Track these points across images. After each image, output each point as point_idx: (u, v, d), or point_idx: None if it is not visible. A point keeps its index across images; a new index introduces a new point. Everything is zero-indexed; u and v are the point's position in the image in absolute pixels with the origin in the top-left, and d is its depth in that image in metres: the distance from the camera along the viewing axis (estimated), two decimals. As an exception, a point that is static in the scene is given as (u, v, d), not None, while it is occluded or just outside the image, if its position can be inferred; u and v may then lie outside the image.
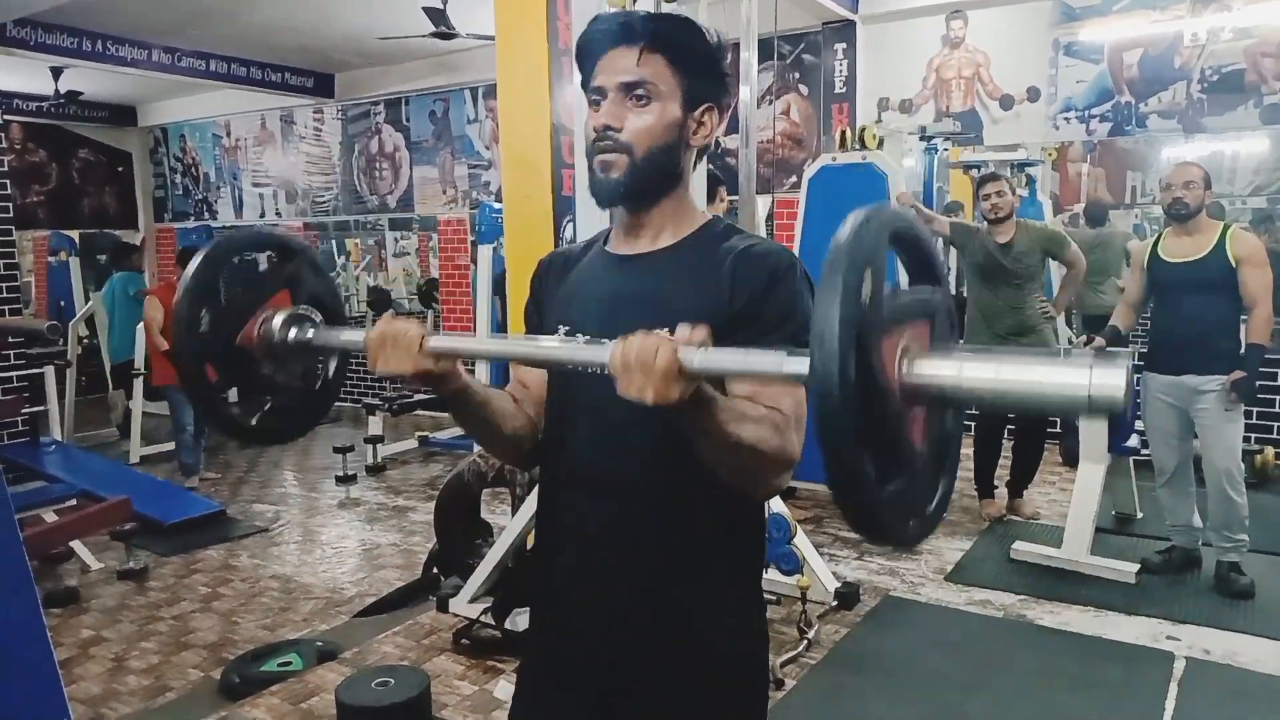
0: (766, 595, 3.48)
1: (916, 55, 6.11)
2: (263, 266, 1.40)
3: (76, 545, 4.71)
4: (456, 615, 3.46)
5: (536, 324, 1.36)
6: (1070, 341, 5.21)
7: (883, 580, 3.83)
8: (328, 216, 9.21)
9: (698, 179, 3.43)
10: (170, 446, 7.32)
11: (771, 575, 3.36)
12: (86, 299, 8.78)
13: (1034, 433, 4.53)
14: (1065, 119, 5.70)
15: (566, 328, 1.26)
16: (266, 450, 7.47)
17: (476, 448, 4.35)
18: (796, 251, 4.72)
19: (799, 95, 6.50)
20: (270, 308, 1.30)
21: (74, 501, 4.76)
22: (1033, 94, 5.77)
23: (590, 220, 2.79)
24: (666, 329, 0.98)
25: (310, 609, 4.13)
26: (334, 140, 8.94)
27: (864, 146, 4.53)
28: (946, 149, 5.88)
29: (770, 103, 6.60)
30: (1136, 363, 4.13)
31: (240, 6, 6.26)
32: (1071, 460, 5.01)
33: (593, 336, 1.20)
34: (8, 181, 6.12)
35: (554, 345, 1.09)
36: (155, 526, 5.13)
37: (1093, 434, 3.87)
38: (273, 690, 2.98)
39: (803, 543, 3.54)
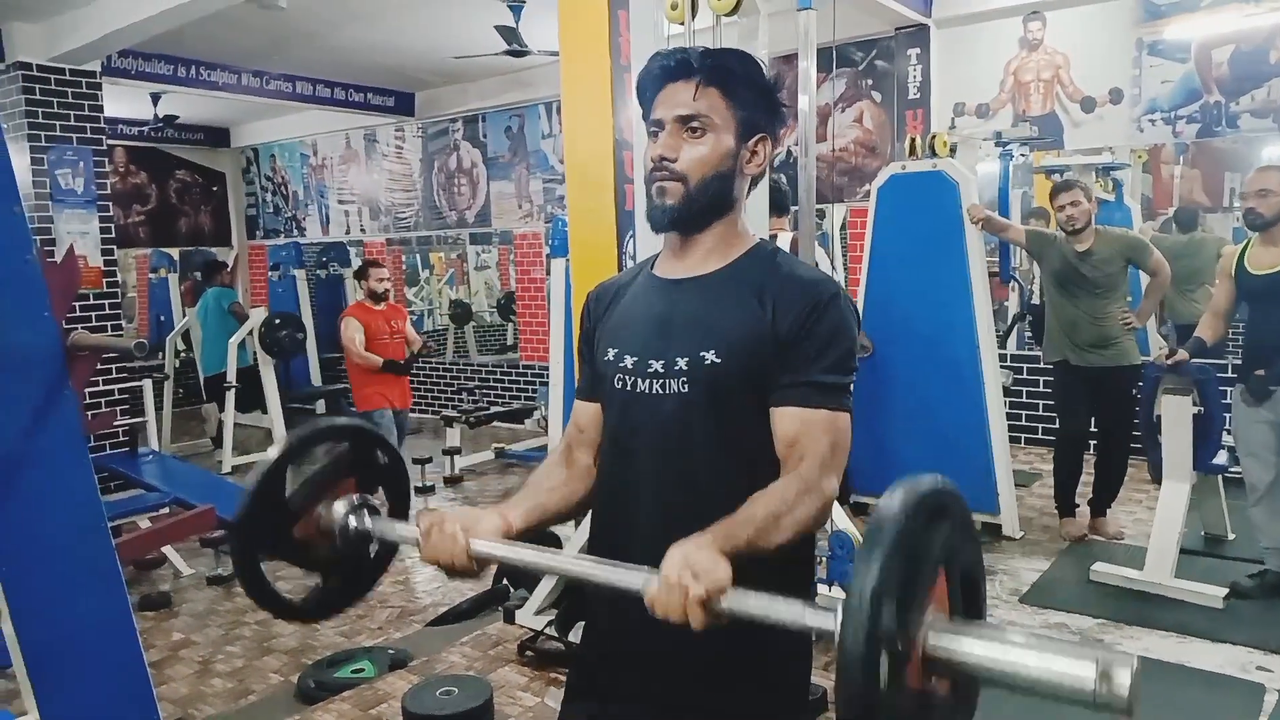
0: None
1: (993, 59, 5.97)
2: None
3: (169, 551, 4.94)
4: (522, 626, 3.51)
5: (588, 356, 1.42)
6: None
7: (954, 599, 3.74)
8: (409, 232, 9.45)
9: (759, 198, 3.43)
10: (261, 456, 7.61)
11: (835, 593, 3.32)
12: (184, 314, 9.19)
13: (1117, 448, 4.37)
14: (1150, 121, 5.49)
15: (615, 349, 1.33)
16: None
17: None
18: (865, 262, 4.70)
19: (872, 102, 6.42)
20: (331, 496, 1.35)
21: (167, 509, 4.99)
22: (1115, 96, 5.58)
23: (650, 236, 2.81)
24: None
25: (386, 617, 4.24)
26: (415, 157, 9.18)
27: (934, 154, 4.44)
28: (1024, 155, 5.72)
29: (842, 110, 6.54)
30: (1229, 375, 3.96)
31: (322, 30, 6.50)
32: (1159, 477, 4.81)
33: (640, 358, 1.28)
34: (110, 203, 6.47)
35: (593, 566, 1.14)
36: (244, 534, 5.33)
37: (1176, 450, 3.72)
38: (344, 696, 3.08)
39: (869, 560, 3.48)
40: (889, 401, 4.67)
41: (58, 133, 6.05)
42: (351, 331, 5.42)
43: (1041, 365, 4.60)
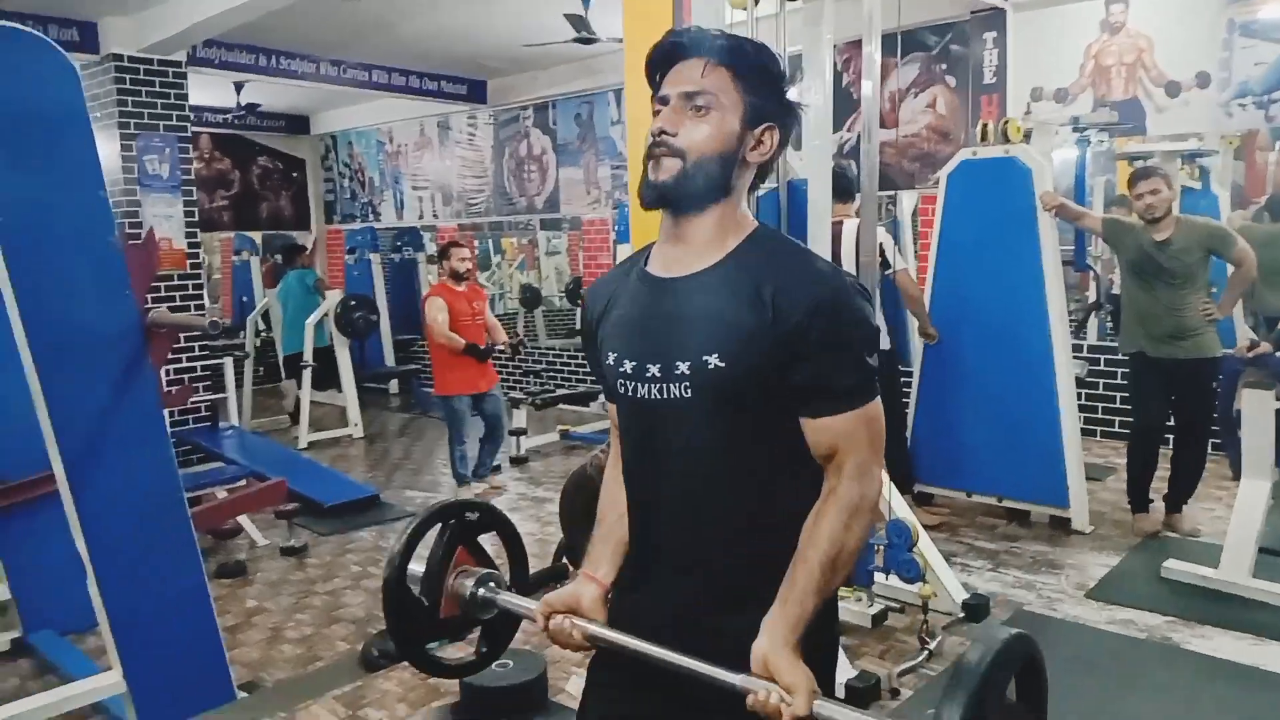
0: (888, 602, 3.42)
1: (1072, 42, 5.78)
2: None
3: (245, 522, 5.13)
4: (579, 605, 3.57)
5: (595, 359, 1.40)
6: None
7: (1018, 594, 3.68)
8: (480, 218, 9.59)
9: (823, 182, 3.38)
10: (337, 433, 7.86)
11: (892, 582, 3.30)
12: (265, 296, 9.51)
13: (1195, 442, 4.22)
14: (1240, 105, 5.26)
15: (615, 353, 1.31)
16: (421, 439, 7.89)
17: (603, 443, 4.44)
18: (934, 249, 4.61)
19: (946, 87, 6.28)
20: (455, 572, 1.45)
21: (244, 482, 5.19)
22: (1202, 79, 5.35)
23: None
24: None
25: (449, 592, 4.34)
26: (486, 144, 9.31)
27: (1007, 139, 4.33)
28: (1103, 141, 5.53)
29: (915, 95, 6.41)
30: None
31: (397, 19, 6.63)
32: (1239, 473, 4.63)
33: (639, 363, 1.27)
34: (193, 188, 6.72)
35: (692, 663, 1.17)
36: (316, 507, 5.52)
37: (1256, 445, 3.58)
38: (404, 665, 3.16)
39: (927, 550, 3.45)
40: (956, 391, 4.59)
41: (145, 121, 6.31)
42: (435, 311, 5.36)
43: (1119, 357, 4.46)
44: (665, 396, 1.24)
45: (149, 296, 6.29)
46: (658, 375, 1.24)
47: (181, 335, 6.56)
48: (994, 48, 5.92)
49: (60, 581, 3.32)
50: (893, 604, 3.44)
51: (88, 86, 6.34)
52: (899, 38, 5.61)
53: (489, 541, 1.53)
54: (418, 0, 6.19)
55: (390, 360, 9.77)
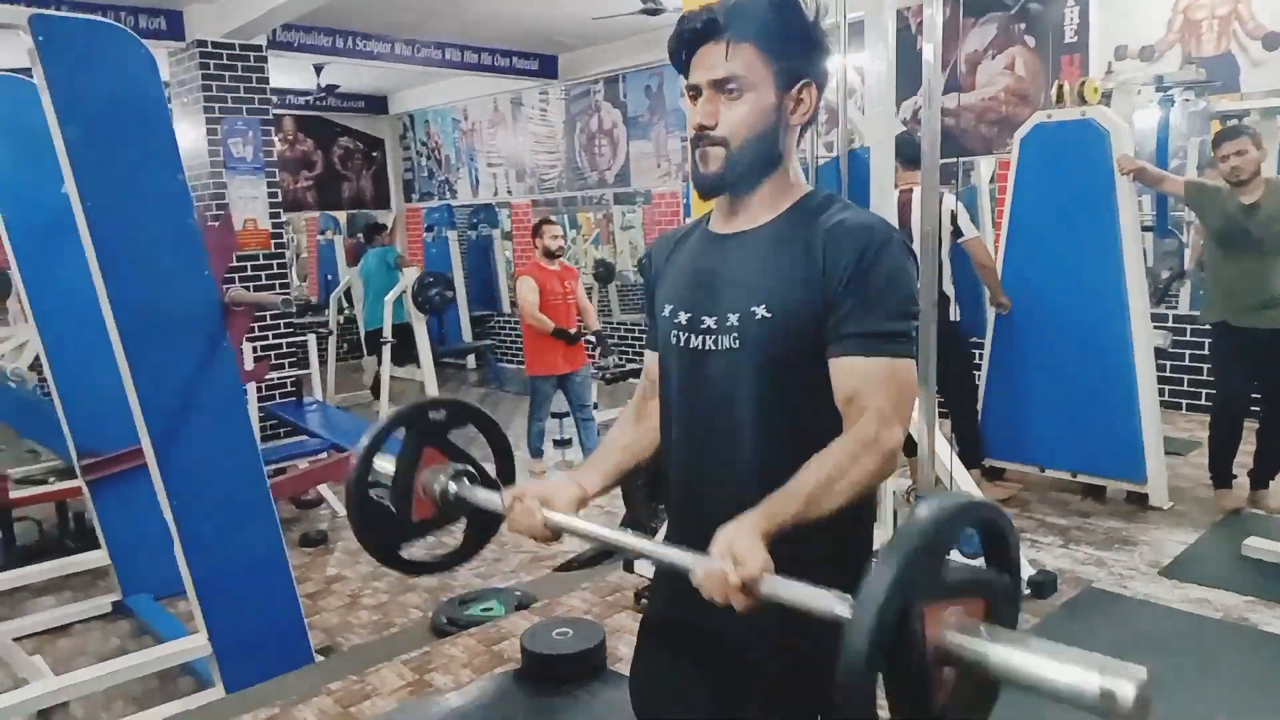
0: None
1: (1160, -3, 5.51)
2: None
3: (327, 494, 5.34)
4: (639, 575, 3.63)
5: (649, 307, 1.43)
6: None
7: (1087, 571, 3.59)
8: (553, 193, 9.68)
9: (885, 151, 3.31)
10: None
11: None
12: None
13: (1283, 415, 4.03)
14: (1345, 57, 4.96)
15: (671, 305, 1.34)
16: (495, 412, 8.01)
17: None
18: (1006, 216, 4.48)
19: (1025, 48, 6.06)
20: (427, 468, 1.46)
21: (325, 455, 5.40)
22: (1305, 30, 5.05)
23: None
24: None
25: (519, 562, 4.46)
26: (558, 119, 9.37)
27: (1084, 101, 4.17)
28: (1189, 100, 5.27)
29: (992, 57, 6.21)
30: None
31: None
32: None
33: (692, 312, 1.29)
34: (276, 170, 6.95)
35: (650, 546, 1.19)
36: (395, 479, 5.70)
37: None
38: (471, 632, 3.27)
39: (994, 525, 3.39)
40: (1028, 362, 4.47)
41: (229, 105, 6.54)
42: (525, 291, 5.35)
43: (1205, 326, 4.28)
44: (718, 347, 1.27)
45: (231, 275, 6.56)
46: (713, 327, 1.27)
47: (268, 313, 6.82)
48: (1075, 5, 5.69)
49: (154, 548, 3.51)
50: (956, 579, 3.40)
51: (175, 73, 6.63)
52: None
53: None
54: (486, -22, 6.25)
55: (467, 335, 9.98)
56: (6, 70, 3.55)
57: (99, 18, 2.86)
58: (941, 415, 3.86)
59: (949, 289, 4.31)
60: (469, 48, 8.32)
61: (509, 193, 10.12)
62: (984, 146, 6.32)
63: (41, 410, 4.27)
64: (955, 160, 6.63)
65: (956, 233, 4.25)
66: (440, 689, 2.86)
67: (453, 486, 1.44)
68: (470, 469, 1.48)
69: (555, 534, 1.31)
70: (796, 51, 1.25)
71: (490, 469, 1.54)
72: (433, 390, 8.10)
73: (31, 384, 4.88)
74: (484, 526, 1.53)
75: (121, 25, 2.78)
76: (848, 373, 1.20)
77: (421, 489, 1.45)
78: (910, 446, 3.42)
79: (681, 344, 1.32)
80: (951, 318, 4.32)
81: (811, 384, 1.23)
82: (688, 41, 1.27)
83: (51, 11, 2.68)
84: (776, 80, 1.24)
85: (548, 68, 8.97)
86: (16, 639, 3.57)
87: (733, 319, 1.25)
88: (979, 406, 4.65)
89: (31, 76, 2.68)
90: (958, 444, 4.58)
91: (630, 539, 1.22)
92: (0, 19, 2.51)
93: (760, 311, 1.23)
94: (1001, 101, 6.20)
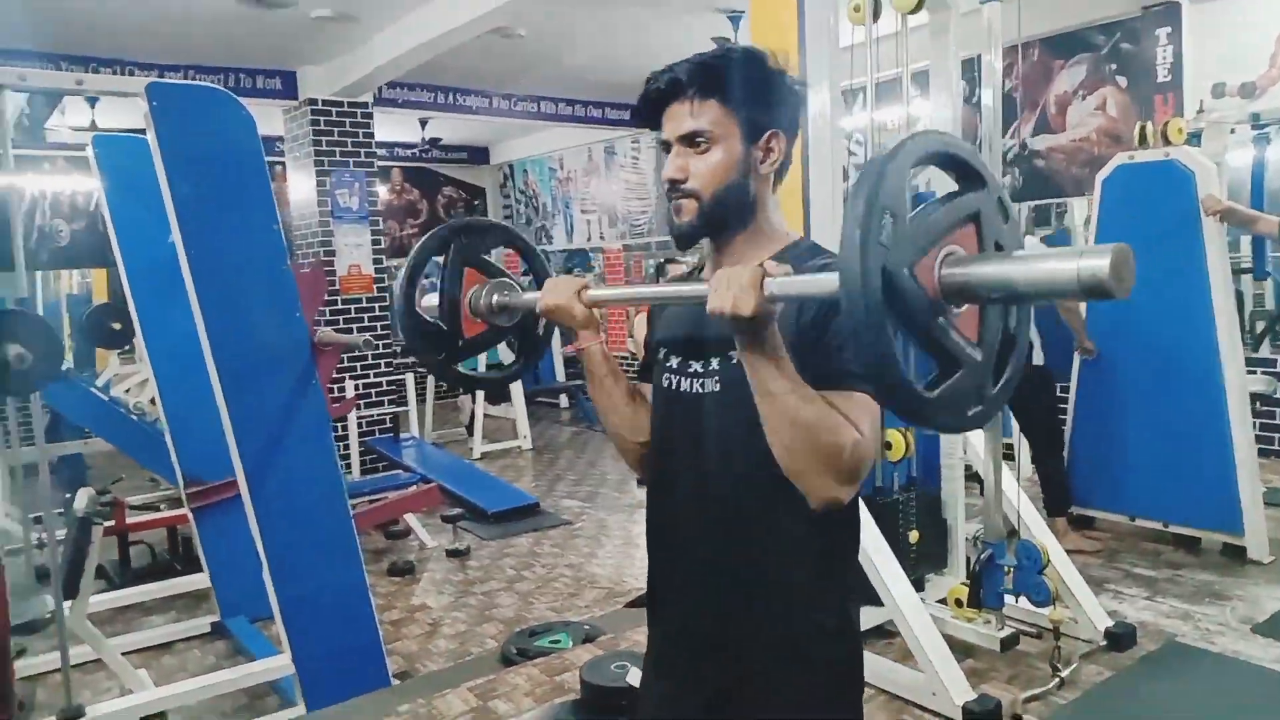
0: (1022, 626, 3.30)
1: (1258, 32, 5.33)
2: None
3: (415, 526, 5.55)
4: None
5: (649, 355, 1.50)
6: None
7: (1172, 625, 3.45)
8: (643, 238, 9.88)
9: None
10: (508, 444, 8.31)
11: (1023, 604, 3.19)
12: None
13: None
14: None
15: (665, 349, 1.42)
16: (585, 451, 8.22)
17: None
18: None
19: (1116, 88, 5.94)
20: (471, 288, 1.55)
21: (415, 488, 5.62)
22: None
23: (823, 224, 2.84)
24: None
25: (593, 597, 4.55)
26: (649, 166, 9.59)
27: (1168, 142, 4.08)
28: (1290, 137, 5.08)
29: (1083, 98, 6.11)
30: None
31: (560, 52, 6.99)
32: None
33: (683, 357, 1.36)
34: (380, 219, 7.35)
35: (671, 290, 1.31)
36: (481, 513, 5.89)
37: None
38: (536, 662, 3.37)
39: (1066, 574, 3.30)
40: (1117, 408, 4.35)
41: (337, 158, 6.98)
42: (640, 330, 5.53)
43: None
44: (702, 390, 1.32)
45: (336, 317, 6.94)
46: (699, 371, 1.33)
47: (368, 353, 7.17)
48: (1168, 44, 5.55)
49: (250, 572, 3.74)
50: (1027, 629, 3.32)
51: (289, 129, 7.12)
52: (1082, 35, 5.37)
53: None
54: (576, 33, 6.51)
55: (560, 375, 10.22)
56: (128, 130, 3.91)
57: (211, 83, 3.16)
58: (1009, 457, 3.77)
59: (1031, 332, 4.25)
60: (563, 100, 8.65)
61: (601, 238, 10.38)
62: (1075, 188, 6.19)
63: (158, 442, 4.61)
64: (1047, 202, 6.55)
65: (1038, 275, 4.19)
66: (501, 715, 2.96)
67: (496, 296, 1.54)
68: (509, 280, 1.57)
69: (587, 307, 1.36)
70: (760, 102, 1.29)
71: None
72: (524, 429, 8.35)
73: (152, 418, 5.27)
74: (531, 339, 1.62)
75: (226, 90, 3.06)
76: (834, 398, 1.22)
77: (468, 307, 1.54)
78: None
79: (673, 387, 1.37)
80: (1034, 361, 4.26)
81: None
82: (653, 100, 1.33)
83: (168, 79, 2.97)
84: (743, 131, 1.28)
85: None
86: (126, 653, 3.84)
87: (714, 363, 1.31)
88: (1065, 453, 4.53)
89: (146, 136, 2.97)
90: (1043, 490, 4.47)
91: (652, 290, 1.28)
92: (122, 88, 2.80)
93: (735, 355, 1.24)
94: (1094, 142, 6.07)
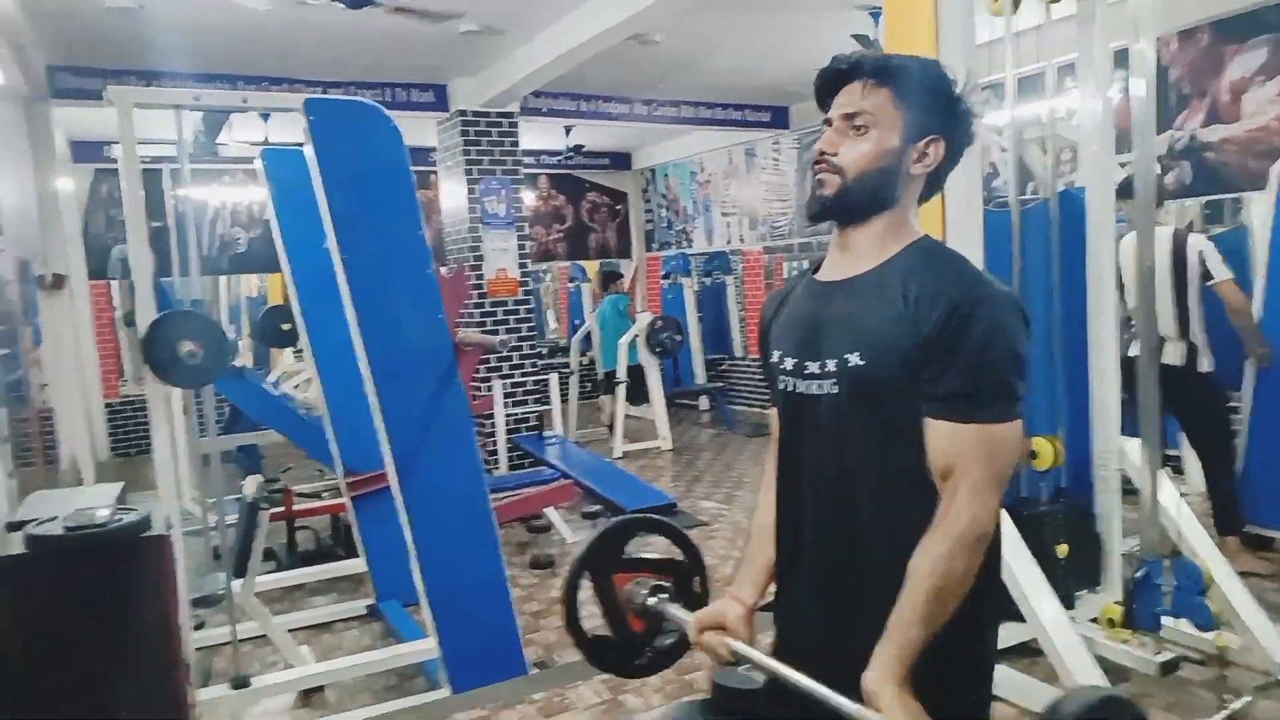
0: (1185, 651, 3.09)
1: None
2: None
3: (556, 520, 5.70)
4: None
5: (765, 359, 1.49)
6: None
7: (1365, 657, 3.15)
8: (784, 239, 9.79)
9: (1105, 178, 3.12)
10: (648, 444, 8.40)
11: (1181, 625, 2.99)
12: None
13: None
14: None
15: (779, 352, 1.42)
16: (723, 453, 8.22)
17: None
18: (1266, 255, 4.07)
19: (1303, 71, 5.47)
20: (624, 586, 1.59)
21: (557, 484, 5.77)
22: None
23: (959, 224, 2.75)
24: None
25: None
26: (790, 168, 9.50)
27: (1359, 129, 3.73)
28: None
29: (1262, 84, 5.65)
30: None
31: (698, 57, 7.03)
32: None
33: (799, 359, 1.36)
34: (525, 224, 7.60)
35: (825, 691, 1.21)
36: (619, 511, 5.98)
37: None
38: (667, 660, 3.41)
39: (1237, 598, 3.07)
40: (1297, 419, 4.01)
41: (485, 166, 7.26)
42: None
43: None
44: (820, 392, 1.32)
45: (483, 319, 7.21)
46: (816, 372, 1.33)
47: (515, 355, 7.43)
48: (1364, 20, 5.07)
49: (402, 559, 3.94)
50: (1191, 655, 3.11)
51: (441, 140, 7.46)
52: (1232, 21, 4.99)
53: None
54: (714, 37, 6.54)
55: (700, 378, 10.26)
56: (289, 144, 4.19)
57: (369, 98, 3.35)
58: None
59: (1198, 337, 3.98)
60: (703, 104, 8.69)
61: (741, 240, 10.35)
62: (1251, 182, 5.73)
63: (320, 434, 4.92)
64: (1219, 197, 6.09)
65: (1206, 275, 3.93)
66: (631, 709, 3.02)
67: (651, 601, 1.57)
68: (662, 583, 1.58)
69: (732, 661, 1.44)
70: (931, 107, 1.31)
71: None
72: (664, 430, 8.41)
73: (317, 412, 5.63)
74: (666, 649, 1.64)
75: (377, 103, 3.24)
76: (939, 437, 1.22)
77: (627, 607, 1.58)
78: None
79: (790, 389, 1.38)
80: (1201, 368, 3.99)
81: (907, 432, 1.25)
82: (831, 79, 1.35)
83: (324, 95, 3.17)
84: (905, 128, 1.30)
85: (779, 119, 9.16)
86: (290, 630, 4.13)
87: (831, 365, 1.30)
88: (1238, 467, 4.21)
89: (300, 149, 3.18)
90: (1213, 507, 4.17)
91: (800, 679, 1.24)
92: (284, 104, 3.02)
93: (854, 359, 1.27)
94: (1273, 132, 5.61)
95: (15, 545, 1.53)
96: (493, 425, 7.15)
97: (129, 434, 9.07)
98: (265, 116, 7.08)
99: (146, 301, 2.90)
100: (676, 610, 1.55)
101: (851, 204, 1.32)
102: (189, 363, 2.87)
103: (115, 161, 6.76)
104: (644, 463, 7.95)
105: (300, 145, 3.18)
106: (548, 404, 7.91)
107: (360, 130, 3.17)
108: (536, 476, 6.19)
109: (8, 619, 1.42)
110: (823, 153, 1.33)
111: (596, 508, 5.72)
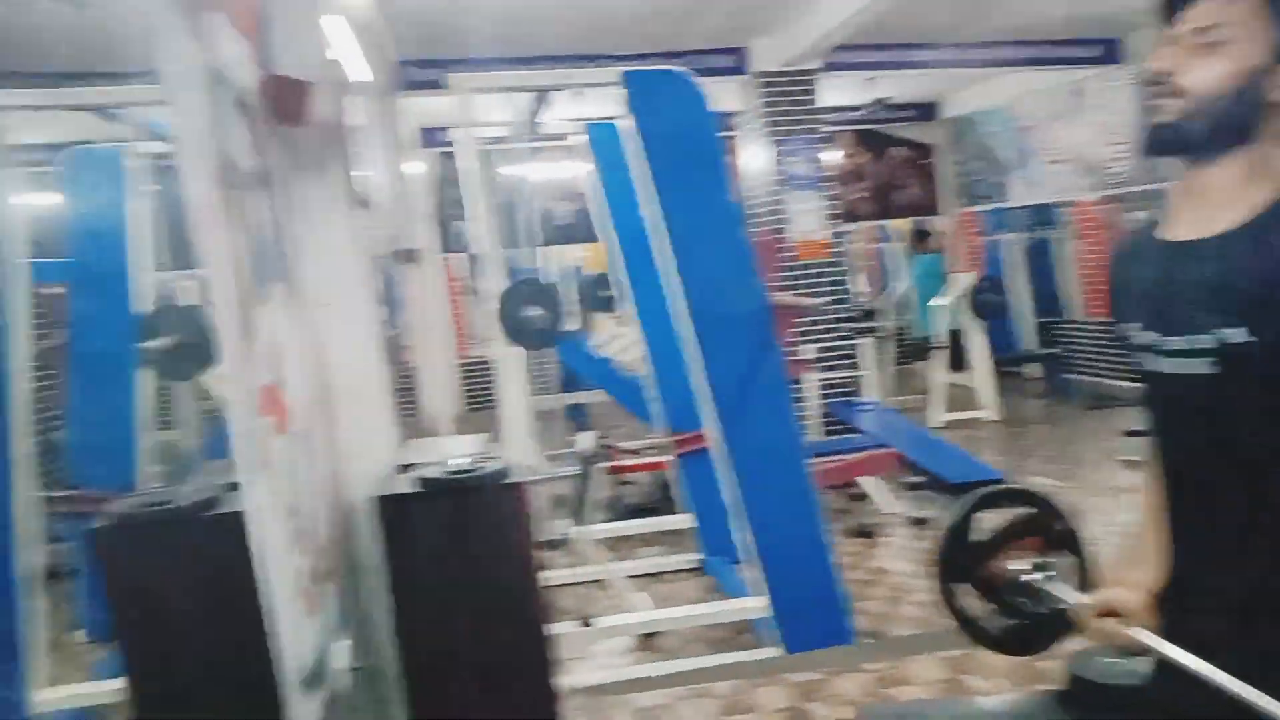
0: None
1: None
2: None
3: (874, 490, 5.52)
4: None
5: (1120, 332, 1.29)
6: None
7: None
8: (1124, 188, 8.74)
9: None
10: (971, 414, 7.89)
11: None
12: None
13: None
14: None
15: (1136, 323, 1.21)
16: (1058, 426, 7.58)
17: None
18: None
19: None
20: (1016, 549, 1.47)
21: (871, 451, 5.59)
22: None
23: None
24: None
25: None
26: (1127, 108, 8.45)
27: None
28: None
29: None
30: None
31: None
32: None
33: (1159, 332, 1.17)
34: (829, 184, 7.41)
35: (1238, 686, 1.03)
36: (941, 484, 5.68)
37: None
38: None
39: None
40: None
41: (787, 127, 7.17)
42: None
43: None
44: (1188, 373, 1.12)
45: (794, 282, 7.12)
46: (1183, 349, 1.12)
47: (826, 318, 7.30)
48: None
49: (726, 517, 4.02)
50: None
51: (741, 103, 7.45)
52: None
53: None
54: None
55: (1029, 343, 9.48)
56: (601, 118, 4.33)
57: (673, 66, 3.38)
58: None
59: None
60: (1019, 43, 7.93)
61: (1073, 190, 9.39)
62: None
63: (642, 394, 5.12)
64: None
65: None
66: (973, 691, 2.84)
67: (1035, 578, 1.43)
68: (1047, 559, 1.45)
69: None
70: None
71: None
72: (988, 399, 7.87)
73: (638, 373, 5.85)
74: (1050, 624, 1.49)
75: (684, 71, 3.26)
76: None
77: (1003, 580, 1.47)
78: None
79: (1152, 368, 1.19)
80: None
81: None
82: None
83: (637, 67, 3.25)
84: (1273, 44, 1.06)
85: (1110, 53, 8.16)
86: (628, 576, 4.35)
87: (1204, 341, 1.09)
88: None
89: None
90: None
91: (1227, 679, 1.06)
92: (603, 79, 3.13)
93: (1240, 335, 1.05)
94: None
95: (403, 485, 1.68)
96: (805, 391, 7.06)
97: (473, 391, 10.09)
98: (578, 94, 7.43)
99: (495, 272, 3.15)
100: (1065, 590, 1.40)
101: (1198, 135, 1.09)
102: (537, 326, 3.09)
103: (450, 145, 7.38)
104: (966, 434, 7.50)
105: (615, 119, 3.29)
106: (859, 369, 7.69)
107: (673, 98, 3.24)
108: (850, 443, 6.03)
109: (409, 547, 1.58)
110: (1160, 71, 1.11)
111: (921, 478, 5.47)
